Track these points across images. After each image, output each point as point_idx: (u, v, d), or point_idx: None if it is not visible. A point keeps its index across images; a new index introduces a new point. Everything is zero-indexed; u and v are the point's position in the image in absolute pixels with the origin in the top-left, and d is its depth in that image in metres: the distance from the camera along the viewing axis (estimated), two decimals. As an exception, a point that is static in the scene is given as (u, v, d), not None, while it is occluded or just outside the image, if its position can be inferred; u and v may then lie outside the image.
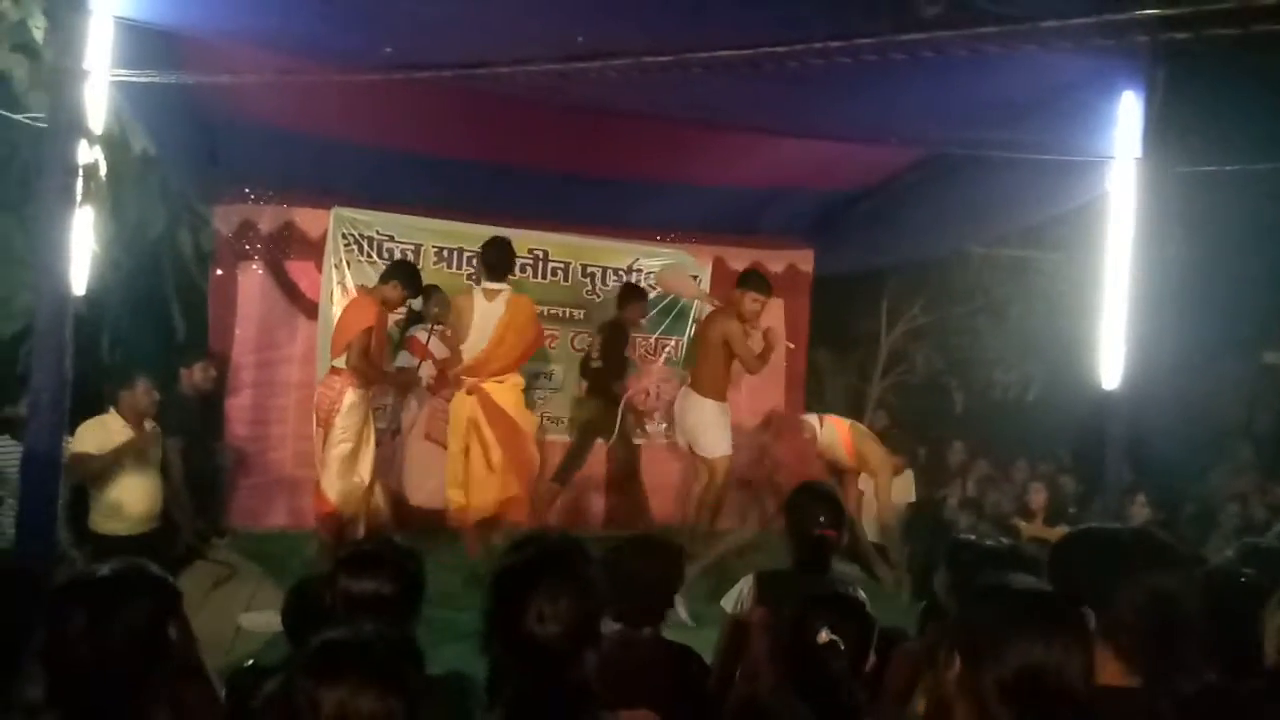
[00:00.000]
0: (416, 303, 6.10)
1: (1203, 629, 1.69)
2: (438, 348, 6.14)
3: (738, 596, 2.90)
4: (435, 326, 6.13)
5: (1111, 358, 4.58)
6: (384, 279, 5.38)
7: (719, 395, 5.70)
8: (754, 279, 5.69)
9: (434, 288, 6.28)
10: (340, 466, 5.12)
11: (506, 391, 5.53)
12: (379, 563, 2.24)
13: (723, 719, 2.32)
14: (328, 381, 5.26)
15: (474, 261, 6.49)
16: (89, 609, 1.71)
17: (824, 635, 2.08)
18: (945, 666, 1.55)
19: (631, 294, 6.45)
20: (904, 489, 7.07)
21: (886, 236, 6.79)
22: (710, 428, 5.68)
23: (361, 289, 5.83)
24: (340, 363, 5.18)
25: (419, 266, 6.65)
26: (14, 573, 2.33)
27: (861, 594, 2.30)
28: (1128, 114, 4.46)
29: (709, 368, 5.67)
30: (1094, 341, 4.67)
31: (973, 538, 2.72)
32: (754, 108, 3.85)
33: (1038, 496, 6.48)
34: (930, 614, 2.70)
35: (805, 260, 7.59)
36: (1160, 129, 4.46)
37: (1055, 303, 7.30)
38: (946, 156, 5.41)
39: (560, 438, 6.72)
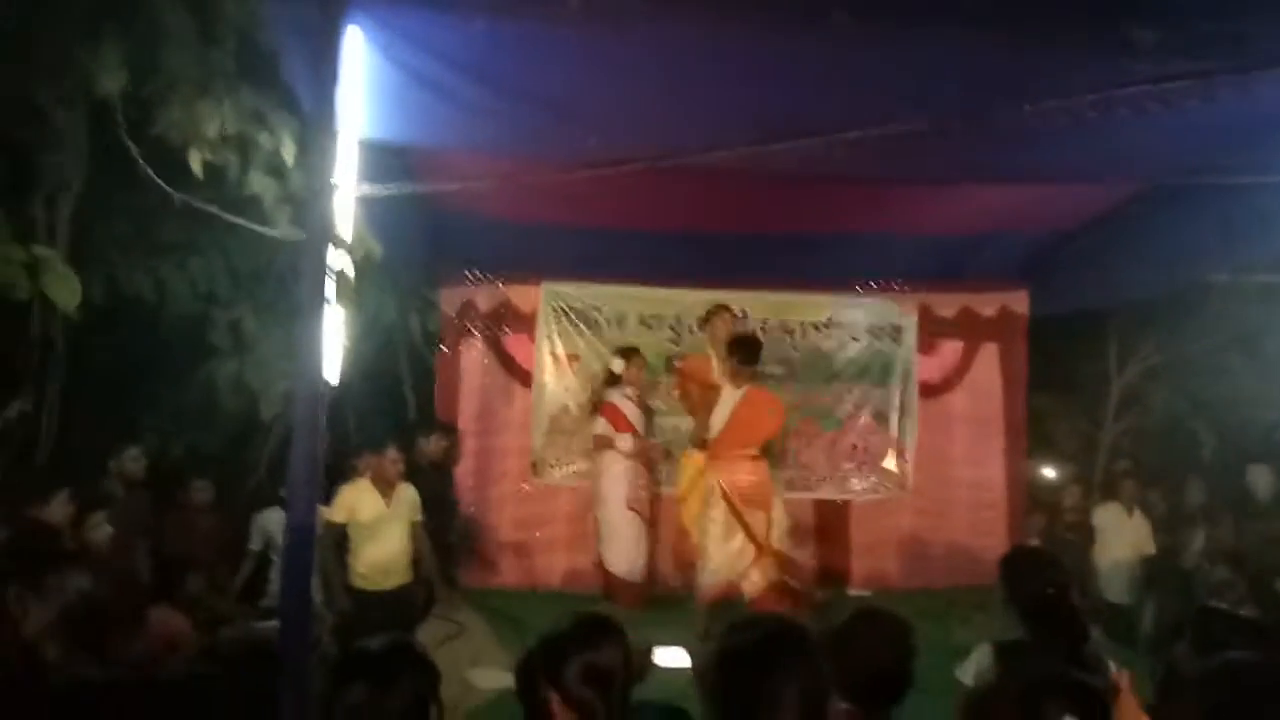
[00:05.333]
0: (617, 365, 6.28)
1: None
2: (633, 415, 6.26)
3: (976, 668, 2.73)
4: (631, 391, 6.27)
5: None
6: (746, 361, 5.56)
7: None
8: None
9: (634, 350, 6.42)
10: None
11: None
12: (604, 635, 2.29)
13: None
14: (753, 469, 5.51)
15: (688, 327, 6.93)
16: (368, 682, 1.83)
17: None
18: None
19: None
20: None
21: (1108, 273, 6.32)
22: None
23: (762, 390, 5.75)
24: (755, 450, 5.52)
25: (622, 332, 6.93)
26: (265, 647, 2.54)
27: (1099, 681, 2.14)
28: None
29: None
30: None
31: (1223, 606, 2.48)
32: (961, 162, 3.75)
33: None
34: (1168, 688, 2.46)
35: (1019, 301, 7.26)
36: None
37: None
38: (1168, 185, 5.01)
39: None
